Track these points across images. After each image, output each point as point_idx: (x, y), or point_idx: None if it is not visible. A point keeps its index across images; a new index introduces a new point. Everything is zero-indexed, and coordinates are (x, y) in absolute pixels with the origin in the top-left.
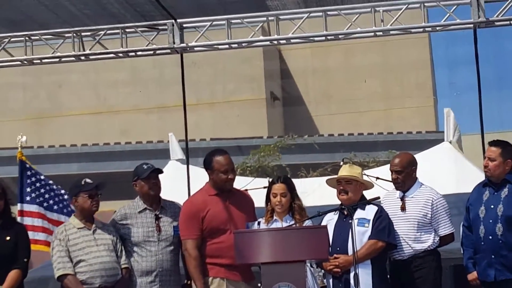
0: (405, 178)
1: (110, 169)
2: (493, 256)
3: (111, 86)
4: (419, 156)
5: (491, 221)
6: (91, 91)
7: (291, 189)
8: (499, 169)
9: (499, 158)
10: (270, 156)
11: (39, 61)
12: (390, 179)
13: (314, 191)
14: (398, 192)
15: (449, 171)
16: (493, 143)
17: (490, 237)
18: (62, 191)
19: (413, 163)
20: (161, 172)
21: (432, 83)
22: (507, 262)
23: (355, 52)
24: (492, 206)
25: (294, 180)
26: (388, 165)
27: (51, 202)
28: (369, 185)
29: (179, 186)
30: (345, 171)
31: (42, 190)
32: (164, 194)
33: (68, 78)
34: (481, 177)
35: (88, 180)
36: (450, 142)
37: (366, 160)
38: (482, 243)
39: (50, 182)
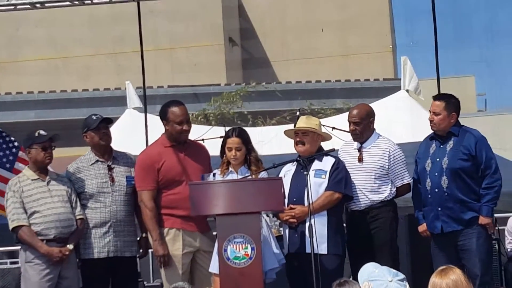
0: (363, 130)
1: (67, 116)
2: (439, 209)
3: (67, 34)
4: (375, 105)
5: (436, 174)
6: (48, 39)
7: (246, 142)
8: (444, 122)
9: (444, 112)
10: (231, 103)
11: None
12: (347, 130)
13: (271, 140)
14: (355, 143)
15: (406, 119)
16: (437, 97)
17: (436, 190)
18: (14, 144)
19: (371, 115)
20: (111, 121)
21: (391, 33)
22: (453, 213)
23: (314, 4)
24: (437, 159)
25: (252, 129)
26: (345, 114)
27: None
28: (327, 137)
29: (137, 134)
30: (302, 122)
31: None
32: (122, 143)
33: (24, 26)
34: None
35: (42, 132)
36: (407, 91)
37: (323, 108)
38: (429, 196)
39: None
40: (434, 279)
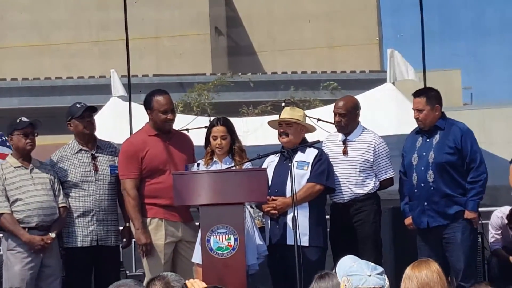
0: (348, 122)
1: (51, 104)
2: (425, 203)
3: (52, 21)
4: (361, 97)
5: (423, 168)
6: (32, 25)
7: (231, 131)
8: (430, 117)
9: (427, 107)
10: (211, 93)
11: None
12: (332, 121)
13: (256, 130)
14: (340, 135)
15: (391, 112)
16: (416, 94)
17: (423, 184)
18: None
19: (357, 107)
20: (95, 110)
21: (378, 25)
22: (439, 208)
23: None
24: (424, 153)
25: (236, 119)
26: (331, 106)
27: None
28: (311, 128)
29: (121, 123)
30: (286, 113)
31: None
32: (106, 132)
33: (10, 12)
34: None
35: (24, 119)
36: (393, 83)
37: (307, 98)
38: (416, 190)
39: None
40: (407, 271)
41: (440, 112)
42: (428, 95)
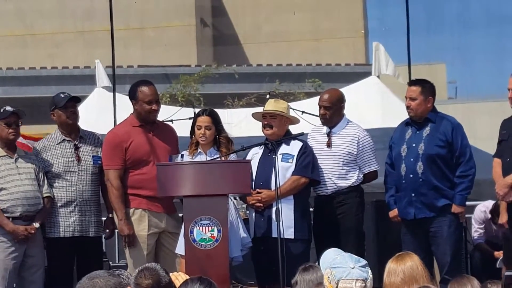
0: (333, 114)
1: (36, 94)
2: (413, 195)
3: (36, 10)
4: (346, 90)
5: (412, 159)
6: (16, 15)
7: (217, 122)
8: (422, 107)
9: (420, 96)
10: (196, 84)
11: None
12: (317, 114)
13: (241, 122)
14: (324, 127)
15: (376, 105)
16: (412, 83)
17: (411, 176)
18: None
19: (342, 100)
20: (79, 100)
21: (363, 18)
22: (426, 200)
23: None
24: (413, 145)
25: (221, 110)
26: (316, 98)
27: None
28: (295, 120)
29: (106, 114)
30: (270, 105)
31: None
32: (90, 122)
33: None
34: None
35: (8, 108)
36: (378, 76)
37: (292, 91)
38: (403, 181)
39: None
40: (390, 264)
41: (432, 105)
42: (423, 86)
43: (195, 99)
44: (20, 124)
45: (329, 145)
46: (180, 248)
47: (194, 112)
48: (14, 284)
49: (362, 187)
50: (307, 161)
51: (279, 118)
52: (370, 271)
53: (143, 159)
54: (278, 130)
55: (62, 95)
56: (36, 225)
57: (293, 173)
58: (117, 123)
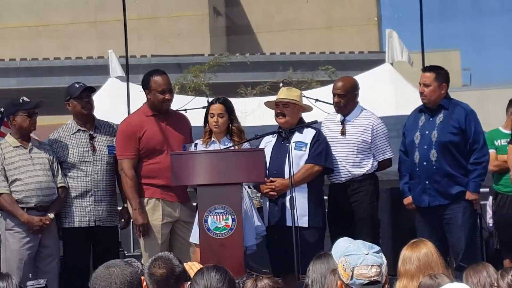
0: (347, 102)
1: (49, 85)
2: (427, 182)
3: (50, 2)
4: (359, 78)
5: (425, 147)
6: (30, 5)
7: (230, 111)
8: (435, 94)
9: (434, 83)
10: (208, 74)
11: None
12: (330, 102)
13: (254, 111)
14: (338, 115)
15: (389, 93)
16: (426, 69)
17: (425, 163)
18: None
19: (356, 88)
20: (94, 90)
21: (376, 5)
22: (440, 188)
23: None
24: (427, 132)
25: (235, 99)
26: (329, 86)
27: None
28: (308, 108)
29: (119, 104)
30: (283, 94)
31: None
32: (104, 112)
33: None
34: (420, 99)
35: (25, 99)
36: (392, 64)
37: (305, 79)
38: (417, 169)
39: None
40: (405, 252)
41: (446, 91)
42: (438, 72)
43: (208, 88)
44: (37, 114)
45: (343, 133)
46: (194, 237)
47: (208, 102)
48: (30, 275)
49: (377, 175)
50: (320, 149)
51: (291, 106)
52: (384, 257)
53: (156, 148)
54: (291, 119)
55: (77, 85)
56: (51, 215)
57: (307, 161)
58: (131, 112)
